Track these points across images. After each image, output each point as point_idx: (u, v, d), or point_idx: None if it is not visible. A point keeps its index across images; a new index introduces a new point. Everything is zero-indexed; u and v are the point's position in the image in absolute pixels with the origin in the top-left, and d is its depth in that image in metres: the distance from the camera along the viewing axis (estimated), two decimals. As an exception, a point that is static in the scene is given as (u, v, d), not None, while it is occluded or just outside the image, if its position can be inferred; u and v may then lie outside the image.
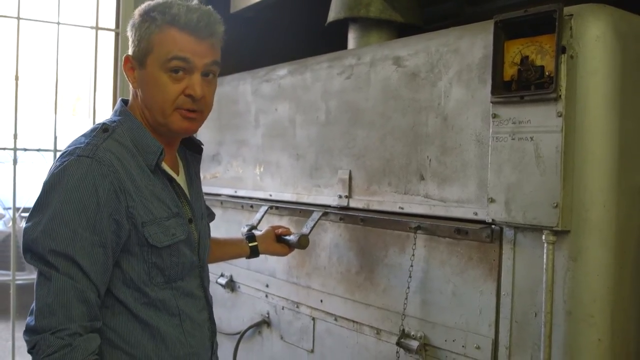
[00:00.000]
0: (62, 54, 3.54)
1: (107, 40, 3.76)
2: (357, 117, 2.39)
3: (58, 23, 3.52)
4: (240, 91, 3.07)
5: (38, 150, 3.57)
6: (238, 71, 3.18)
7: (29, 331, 1.54)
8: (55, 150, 3.48)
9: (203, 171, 3.30)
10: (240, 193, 3.07)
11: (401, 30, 2.79)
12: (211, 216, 2.16)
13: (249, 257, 2.41)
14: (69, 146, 1.67)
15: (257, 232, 2.52)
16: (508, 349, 1.88)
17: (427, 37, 2.19)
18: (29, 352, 1.54)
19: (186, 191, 1.87)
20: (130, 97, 1.81)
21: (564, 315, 1.74)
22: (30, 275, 6.01)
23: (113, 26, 3.72)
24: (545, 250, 1.74)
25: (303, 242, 2.39)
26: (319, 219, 2.48)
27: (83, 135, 1.69)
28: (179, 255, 1.74)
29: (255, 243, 2.39)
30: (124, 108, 1.78)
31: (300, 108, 2.68)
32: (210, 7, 1.73)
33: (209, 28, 1.69)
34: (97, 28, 3.64)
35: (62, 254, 1.53)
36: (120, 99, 1.84)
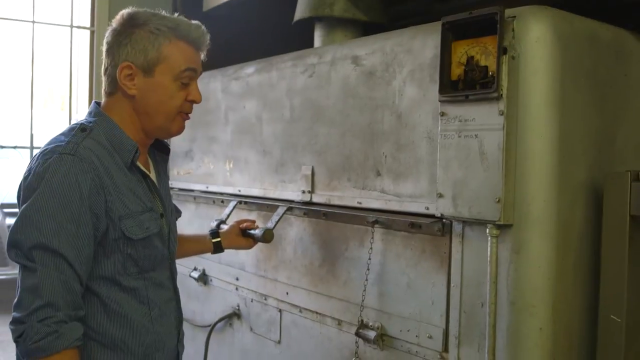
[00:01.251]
0: (45, 52, 3.59)
1: (86, 38, 3.81)
2: (319, 114, 2.46)
3: (33, 22, 3.57)
4: (211, 89, 3.13)
5: (15, 147, 3.62)
6: (210, 69, 3.24)
7: (15, 321, 1.62)
8: (32, 148, 3.53)
9: (177, 167, 3.37)
10: (212, 188, 3.14)
11: (367, 28, 2.85)
12: (178, 213, 2.24)
13: (213, 252, 2.48)
14: (48, 144, 1.75)
15: (224, 227, 2.59)
16: (457, 338, 1.95)
17: (383, 37, 2.25)
18: (16, 340, 1.63)
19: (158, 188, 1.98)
20: (105, 100, 1.89)
21: (507, 306, 1.82)
22: (12, 271, 6.08)
23: (88, 24, 3.77)
24: (489, 244, 1.81)
25: (267, 236, 2.45)
26: (283, 214, 2.55)
27: (62, 134, 1.78)
28: (151, 248, 1.85)
29: (218, 239, 2.47)
30: (98, 110, 1.87)
31: (267, 105, 2.74)
32: (201, 25, 1.90)
33: (206, 44, 1.91)
34: (72, 26, 3.69)
35: (48, 246, 1.62)
36: (94, 101, 1.93)
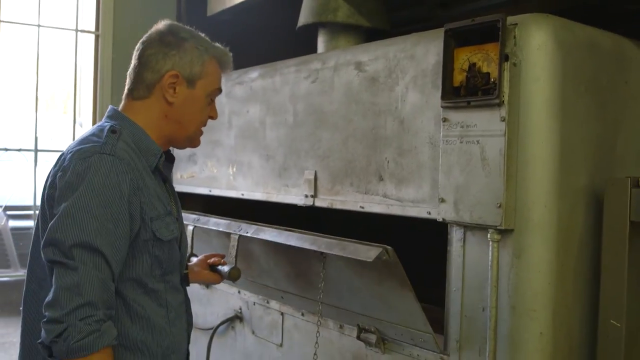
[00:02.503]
0: (49, 56, 3.61)
1: (90, 42, 3.83)
2: (322, 119, 2.48)
3: (39, 25, 3.60)
4: (214, 93, 3.15)
5: (19, 150, 3.64)
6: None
7: (52, 321, 1.60)
8: (36, 151, 3.55)
9: (180, 171, 3.40)
10: (215, 192, 3.16)
11: (370, 34, 2.87)
12: None
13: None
14: (80, 144, 1.77)
15: (193, 259, 2.46)
16: (458, 342, 1.97)
17: (386, 43, 2.27)
18: (53, 340, 1.60)
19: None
20: (129, 102, 1.90)
21: (508, 310, 1.84)
22: (14, 272, 6.09)
23: (93, 29, 3.79)
24: (490, 248, 1.83)
25: (234, 274, 2.35)
26: (238, 247, 2.51)
27: (93, 135, 1.80)
28: (174, 250, 1.89)
29: (185, 271, 2.39)
30: (120, 114, 1.89)
31: (270, 110, 2.76)
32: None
33: (230, 68, 1.99)
34: (77, 30, 3.71)
35: (90, 245, 1.64)
36: (111, 106, 1.94)
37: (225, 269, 2.36)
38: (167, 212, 1.86)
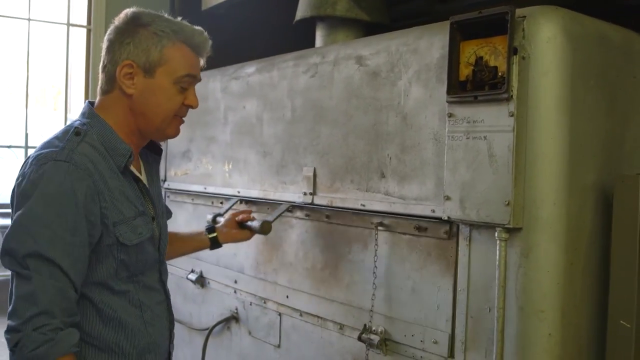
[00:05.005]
0: (39, 50, 3.54)
1: (82, 37, 3.76)
2: (321, 115, 2.42)
3: (29, 19, 3.53)
4: (210, 88, 3.09)
5: (9, 147, 3.57)
6: (209, 68, 3.19)
7: (10, 330, 1.61)
8: (27, 147, 3.48)
9: (174, 168, 3.33)
10: (210, 189, 3.09)
11: (369, 28, 2.82)
12: (169, 214, 2.20)
13: (211, 248, 2.43)
14: (41, 149, 1.73)
15: (220, 219, 2.54)
16: (464, 344, 1.92)
17: (388, 36, 2.22)
18: (12, 349, 1.61)
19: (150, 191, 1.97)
20: (100, 98, 1.86)
21: (516, 311, 1.78)
22: (5, 272, 6.01)
23: (85, 23, 3.72)
24: (497, 247, 1.78)
25: (265, 228, 2.38)
26: (284, 211, 2.51)
27: (56, 138, 1.76)
28: (144, 253, 1.84)
29: (214, 234, 2.42)
30: (92, 111, 1.84)
31: (268, 106, 2.70)
32: (204, 31, 1.89)
33: (207, 49, 1.90)
34: (68, 24, 3.64)
35: (43, 255, 1.61)
36: (87, 101, 1.89)
37: (255, 224, 2.35)
38: (138, 213, 1.82)
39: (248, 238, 2.50)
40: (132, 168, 1.86)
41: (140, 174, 1.95)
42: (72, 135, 1.75)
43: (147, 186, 1.96)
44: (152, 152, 2.07)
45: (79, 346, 1.69)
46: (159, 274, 1.97)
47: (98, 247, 1.73)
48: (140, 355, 1.84)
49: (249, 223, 2.44)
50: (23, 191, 1.67)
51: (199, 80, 1.90)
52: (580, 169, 1.83)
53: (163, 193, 3.41)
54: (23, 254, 1.62)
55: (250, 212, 2.53)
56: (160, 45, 1.79)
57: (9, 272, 1.69)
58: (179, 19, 1.87)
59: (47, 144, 1.74)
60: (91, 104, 1.88)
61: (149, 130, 1.88)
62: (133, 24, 1.80)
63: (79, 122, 1.82)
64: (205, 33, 1.88)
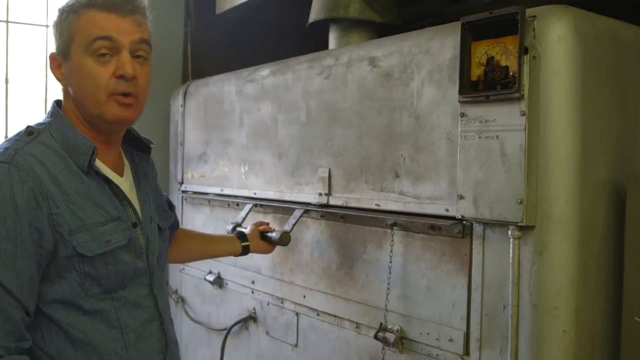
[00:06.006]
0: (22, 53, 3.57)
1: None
2: (335, 116, 2.44)
3: (47, 26, 3.58)
4: (225, 91, 3.12)
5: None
6: (224, 71, 3.24)
7: None
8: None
9: (191, 170, 3.36)
10: (227, 191, 3.13)
11: (381, 30, 2.84)
12: (167, 219, 2.02)
13: (240, 255, 2.46)
14: None
15: (242, 230, 2.59)
16: (479, 341, 1.93)
17: (400, 37, 2.24)
18: None
19: (130, 193, 1.77)
20: (63, 98, 1.74)
21: (530, 308, 1.80)
22: None
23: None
24: (511, 245, 1.79)
25: (284, 239, 2.45)
26: (300, 217, 2.54)
27: (6, 140, 1.61)
28: (116, 263, 1.62)
29: (247, 243, 2.44)
30: (55, 109, 1.70)
31: (282, 108, 2.73)
32: None
33: (129, 2, 1.63)
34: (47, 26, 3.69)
35: None
36: (54, 100, 1.76)
37: (275, 235, 2.39)
38: (110, 219, 1.62)
39: (270, 251, 2.54)
40: (102, 167, 1.68)
41: (122, 175, 1.77)
42: (22, 136, 1.59)
43: (132, 188, 1.79)
44: (139, 150, 1.91)
45: None
46: (150, 287, 1.74)
47: (56, 259, 1.53)
48: None
49: (269, 234, 2.49)
50: None
51: (120, 41, 1.61)
52: (592, 166, 1.84)
53: (180, 196, 3.46)
54: None
55: (268, 224, 2.58)
56: (67, 22, 1.62)
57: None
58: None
59: None
60: (57, 103, 1.74)
61: (92, 119, 1.66)
62: (56, 15, 1.67)
63: (37, 122, 1.68)
64: None
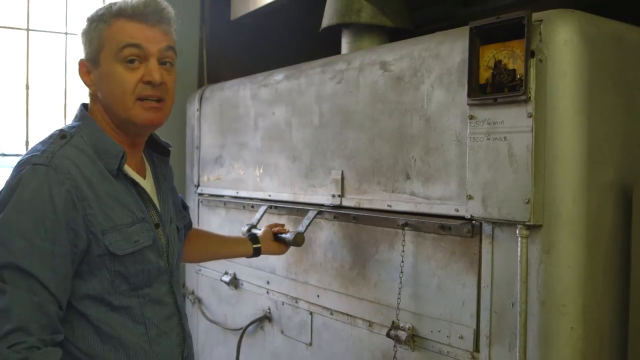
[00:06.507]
0: (75, 62, 3.66)
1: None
2: (348, 119, 2.50)
3: (66, 33, 3.66)
4: (240, 96, 3.19)
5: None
6: (239, 76, 3.31)
7: None
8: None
9: (207, 173, 3.43)
10: (242, 194, 3.19)
11: (393, 34, 2.89)
12: (183, 219, 2.13)
13: (251, 256, 2.52)
14: (26, 153, 1.65)
15: (256, 231, 2.65)
16: (488, 338, 1.98)
17: (411, 42, 2.29)
18: None
19: (151, 195, 1.85)
20: (90, 102, 1.81)
21: (538, 305, 1.84)
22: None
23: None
24: (519, 244, 1.83)
25: (299, 240, 2.50)
26: (314, 218, 2.60)
27: (40, 143, 1.67)
28: (143, 262, 1.71)
29: (259, 245, 2.50)
30: (84, 113, 1.77)
31: (296, 111, 2.79)
32: None
33: (157, 13, 1.71)
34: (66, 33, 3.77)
35: (18, 266, 1.50)
36: (80, 104, 1.83)
37: (289, 236, 2.45)
38: (136, 220, 1.71)
39: (283, 252, 2.59)
40: (129, 170, 1.75)
41: (145, 177, 1.86)
42: (56, 139, 1.66)
43: (153, 190, 1.88)
44: (159, 154, 1.98)
45: None
46: (170, 285, 1.83)
47: (88, 258, 1.62)
48: None
49: (283, 235, 2.55)
50: (2, 198, 1.58)
51: (148, 49, 1.70)
52: (599, 167, 1.88)
53: (196, 198, 3.53)
54: None
55: (283, 225, 2.64)
56: (97, 31, 1.69)
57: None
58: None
59: (31, 149, 1.66)
60: (85, 106, 1.81)
61: (121, 124, 1.73)
62: (85, 24, 1.75)
63: (68, 125, 1.75)
64: None
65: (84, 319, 1.64)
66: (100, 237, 1.62)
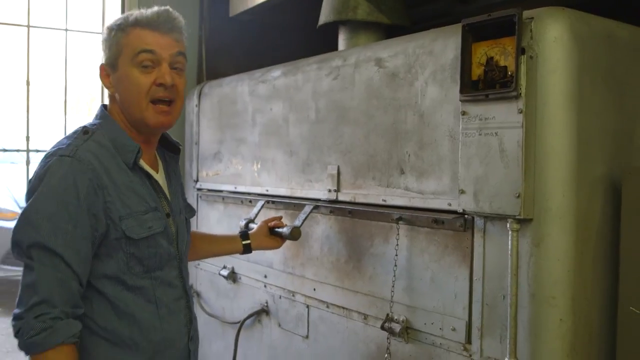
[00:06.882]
0: (75, 58, 3.70)
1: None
2: (343, 115, 2.53)
3: (66, 30, 3.70)
4: (238, 92, 3.22)
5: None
6: (238, 72, 3.34)
7: (15, 317, 1.70)
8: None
9: (206, 169, 3.47)
10: (240, 189, 3.23)
11: (390, 31, 2.92)
12: (191, 212, 2.32)
13: (242, 253, 2.58)
14: (52, 147, 1.84)
15: (253, 226, 2.68)
16: (480, 330, 2.01)
17: (405, 39, 2.32)
18: (15, 336, 1.70)
19: (165, 188, 2.05)
20: (109, 103, 1.99)
21: (528, 298, 1.88)
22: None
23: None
24: (510, 238, 1.87)
25: (295, 234, 2.54)
26: (310, 212, 2.63)
27: (66, 138, 1.87)
28: (155, 246, 1.90)
29: (248, 241, 2.56)
30: (104, 112, 1.96)
31: (293, 107, 2.83)
32: (168, 6, 1.95)
33: (169, 22, 1.90)
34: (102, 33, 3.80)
35: (45, 246, 1.70)
36: (101, 104, 2.02)
37: (285, 230, 2.49)
38: (150, 209, 1.90)
39: (277, 247, 2.64)
40: (144, 165, 1.94)
41: (157, 172, 2.03)
42: (80, 134, 1.85)
43: (165, 183, 2.05)
44: (170, 151, 2.17)
45: (84, 336, 1.78)
46: (179, 270, 2.02)
47: (107, 241, 1.80)
48: (156, 351, 1.90)
49: (280, 229, 2.58)
50: (31, 186, 1.78)
51: (161, 54, 1.88)
52: (588, 162, 1.91)
53: (195, 194, 3.57)
54: (27, 245, 1.71)
55: (280, 218, 2.67)
56: (116, 38, 1.88)
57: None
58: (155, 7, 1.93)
59: (57, 143, 1.85)
60: (104, 106, 2.00)
61: (135, 123, 1.92)
62: (105, 33, 1.93)
63: (90, 123, 1.94)
64: (163, 9, 1.92)
65: (101, 296, 1.83)
66: (118, 222, 1.80)
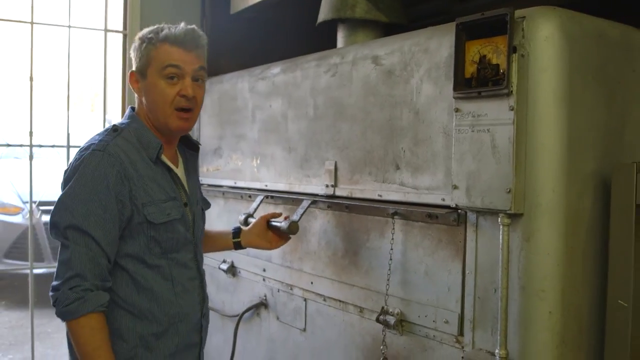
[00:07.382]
0: (78, 55, 3.74)
1: (118, 41, 3.96)
2: (341, 112, 2.58)
3: (69, 26, 3.74)
4: (238, 88, 3.27)
5: (52, 146, 3.78)
6: (238, 69, 3.38)
7: (52, 289, 1.95)
8: (69, 147, 3.68)
9: (206, 164, 3.51)
10: (240, 184, 3.27)
11: (388, 29, 2.96)
12: (206, 205, 2.54)
13: (235, 249, 2.68)
14: (86, 143, 2.09)
15: (251, 220, 2.73)
16: (472, 322, 2.06)
17: (402, 37, 2.36)
18: (53, 305, 1.95)
19: (184, 181, 2.28)
20: (136, 105, 2.24)
21: (518, 290, 1.92)
22: (49, 265, 6.25)
23: (121, 28, 3.92)
24: (501, 232, 1.91)
25: (293, 228, 2.58)
26: (308, 207, 2.68)
27: (98, 134, 2.13)
28: (173, 231, 2.14)
29: (238, 239, 2.63)
30: (132, 113, 2.22)
31: (292, 104, 2.87)
32: (194, 25, 2.18)
33: (193, 41, 2.14)
34: (105, 30, 3.85)
35: (79, 227, 1.95)
36: (129, 106, 2.27)
37: (283, 224, 2.55)
38: (169, 198, 2.13)
39: (269, 248, 2.69)
40: (165, 160, 2.18)
41: (177, 167, 2.27)
42: (110, 132, 2.12)
43: (184, 177, 2.28)
44: (190, 149, 2.40)
45: (116, 310, 2.05)
46: (194, 254, 2.25)
47: (130, 224, 2.05)
48: (171, 323, 2.13)
49: (277, 223, 2.61)
50: (67, 176, 2.04)
51: (185, 69, 2.11)
52: (579, 158, 1.95)
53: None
54: (64, 226, 1.96)
55: (280, 214, 2.71)
56: (147, 50, 2.11)
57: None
58: (182, 24, 2.16)
59: (90, 140, 2.11)
60: (132, 108, 2.25)
61: (160, 126, 2.16)
62: (136, 42, 2.16)
63: (120, 122, 2.20)
64: (190, 28, 2.14)
65: (125, 272, 2.07)
66: (141, 208, 2.05)
